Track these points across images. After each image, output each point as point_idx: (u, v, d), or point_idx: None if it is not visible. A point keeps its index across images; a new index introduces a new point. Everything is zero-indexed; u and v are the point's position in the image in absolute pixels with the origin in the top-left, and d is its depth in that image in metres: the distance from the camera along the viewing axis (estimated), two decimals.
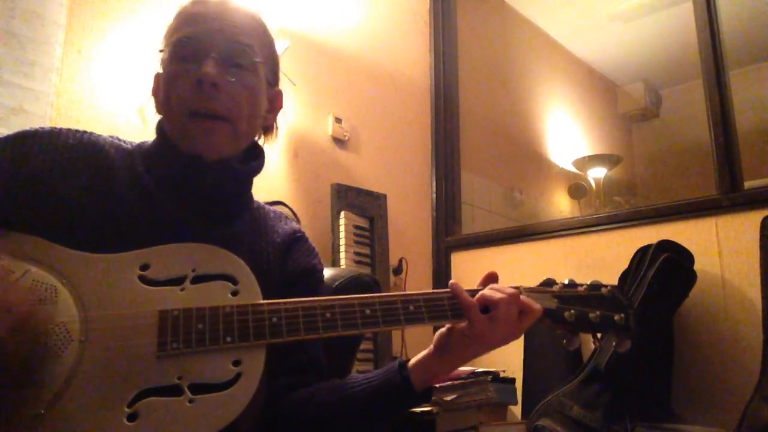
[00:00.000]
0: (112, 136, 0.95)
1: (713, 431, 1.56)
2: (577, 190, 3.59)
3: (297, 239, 1.04)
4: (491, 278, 0.92)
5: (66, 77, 1.60)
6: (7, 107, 1.47)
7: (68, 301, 0.75)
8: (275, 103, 1.01)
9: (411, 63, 2.74)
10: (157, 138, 0.95)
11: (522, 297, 0.87)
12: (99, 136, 0.93)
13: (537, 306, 0.87)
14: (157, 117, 0.96)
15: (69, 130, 0.91)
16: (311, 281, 1.02)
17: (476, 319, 0.84)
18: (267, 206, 1.07)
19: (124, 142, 0.96)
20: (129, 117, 1.71)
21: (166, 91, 0.90)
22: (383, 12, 2.64)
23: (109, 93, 1.68)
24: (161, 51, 0.92)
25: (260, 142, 1.03)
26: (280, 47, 1.09)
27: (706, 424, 1.63)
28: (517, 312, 0.86)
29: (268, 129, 1.03)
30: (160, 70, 0.94)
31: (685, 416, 1.69)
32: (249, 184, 1.01)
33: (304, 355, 0.97)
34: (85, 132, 0.92)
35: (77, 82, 1.62)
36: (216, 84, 0.86)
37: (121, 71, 1.71)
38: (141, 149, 0.95)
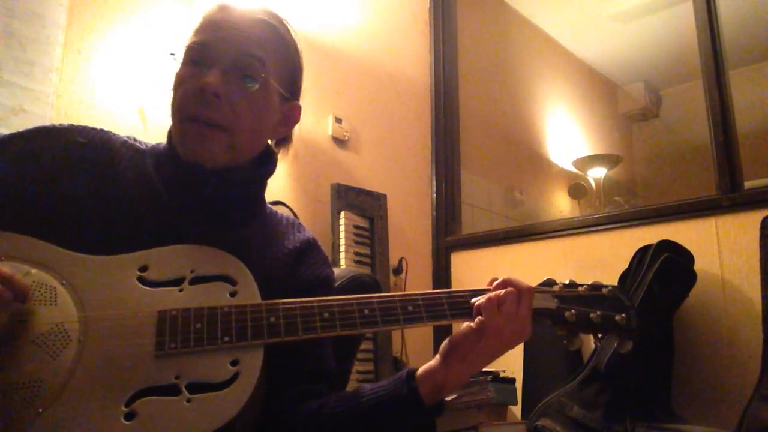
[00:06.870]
0: (128, 137, 0.95)
1: (713, 431, 1.56)
2: (577, 190, 3.59)
3: (310, 248, 1.03)
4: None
5: (66, 77, 1.60)
6: (7, 107, 1.47)
7: (67, 302, 0.76)
8: (290, 116, 0.99)
9: (411, 63, 2.74)
10: (167, 140, 0.95)
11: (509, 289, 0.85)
12: (113, 135, 0.93)
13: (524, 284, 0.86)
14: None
15: (85, 127, 0.91)
16: (323, 291, 1.00)
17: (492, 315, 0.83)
18: (282, 214, 1.06)
19: (140, 142, 0.96)
20: (129, 117, 1.71)
21: (173, 96, 0.91)
22: (383, 12, 2.64)
23: (109, 93, 1.68)
24: (172, 54, 0.92)
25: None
26: None
27: (706, 424, 1.62)
28: (518, 307, 0.84)
29: (281, 141, 1.02)
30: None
31: (685, 416, 1.69)
32: (258, 190, 1.00)
33: (316, 364, 0.95)
34: (100, 130, 0.92)
35: (77, 82, 1.62)
36: (218, 94, 0.86)
37: (121, 71, 1.71)
38: (154, 150, 0.95)
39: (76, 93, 1.62)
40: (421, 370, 0.87)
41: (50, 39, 1.57)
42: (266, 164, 0.98)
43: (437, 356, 0.87)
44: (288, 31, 0.98)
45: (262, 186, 1.01)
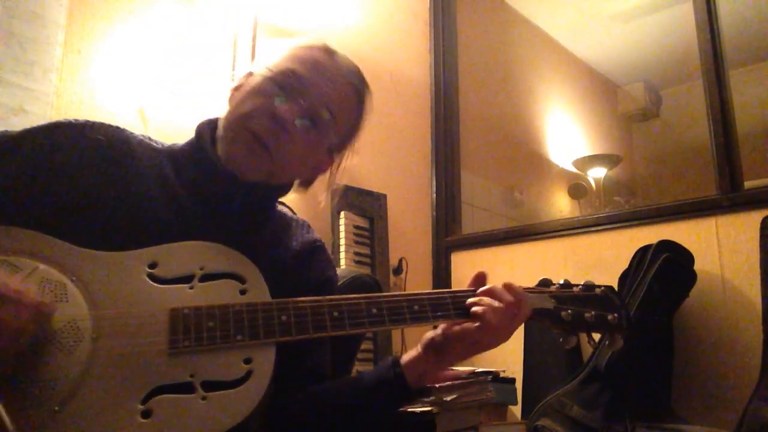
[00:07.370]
0: (143, 135, 0.97)
1: (713, 431, 1.56)
2: (577, 190, 3.59)
3: (316, 249, 1.05)
4: (480, 280, 0.93)
5: (66, 77, 1.60)
6: (7, 107, 1.47)
7: (78, 299, 0.75)
8: (324, 165, 1.05)
9: (411, 63, 2.74)
10: (194, 141, 0.96)
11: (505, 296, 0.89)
12: (130, 133, 0.95)
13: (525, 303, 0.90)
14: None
15: (102, 124, 0.93)
16: (327, 293, 1.01)
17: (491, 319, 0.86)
18: (291, 214, 1.09)
19: (156, 142, 0.98)
20: (129, 117, 1.71)
21: (245, 98, 0.94)
22: (383, 12, 2.64)
23: (109, 93, 1.68)
24: (267, 69, 0.95)
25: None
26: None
27: (706, 424, 1.63)
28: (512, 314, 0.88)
29: (305, 182, 1.07)
30: (255, 75, 0.97)
31: (685, 416, 1.69)
32: (275, 199, 1.04)
33: (313, 364, 0.97)
34: (117, 128, 0.94)
35: (77, 82, 1.62)
36: (286, 129, 0.91)
37: (121, 71, 1.71)
38: (171, 151, 0.97)
39: (76, 93, 1.62)
40: (404, 358, 0.93)
41: (50, 39, 1.57)
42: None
43: (418, 347, 0.92)
44: (367, 98, 1.05)
45: (281, 195, 1.05)
